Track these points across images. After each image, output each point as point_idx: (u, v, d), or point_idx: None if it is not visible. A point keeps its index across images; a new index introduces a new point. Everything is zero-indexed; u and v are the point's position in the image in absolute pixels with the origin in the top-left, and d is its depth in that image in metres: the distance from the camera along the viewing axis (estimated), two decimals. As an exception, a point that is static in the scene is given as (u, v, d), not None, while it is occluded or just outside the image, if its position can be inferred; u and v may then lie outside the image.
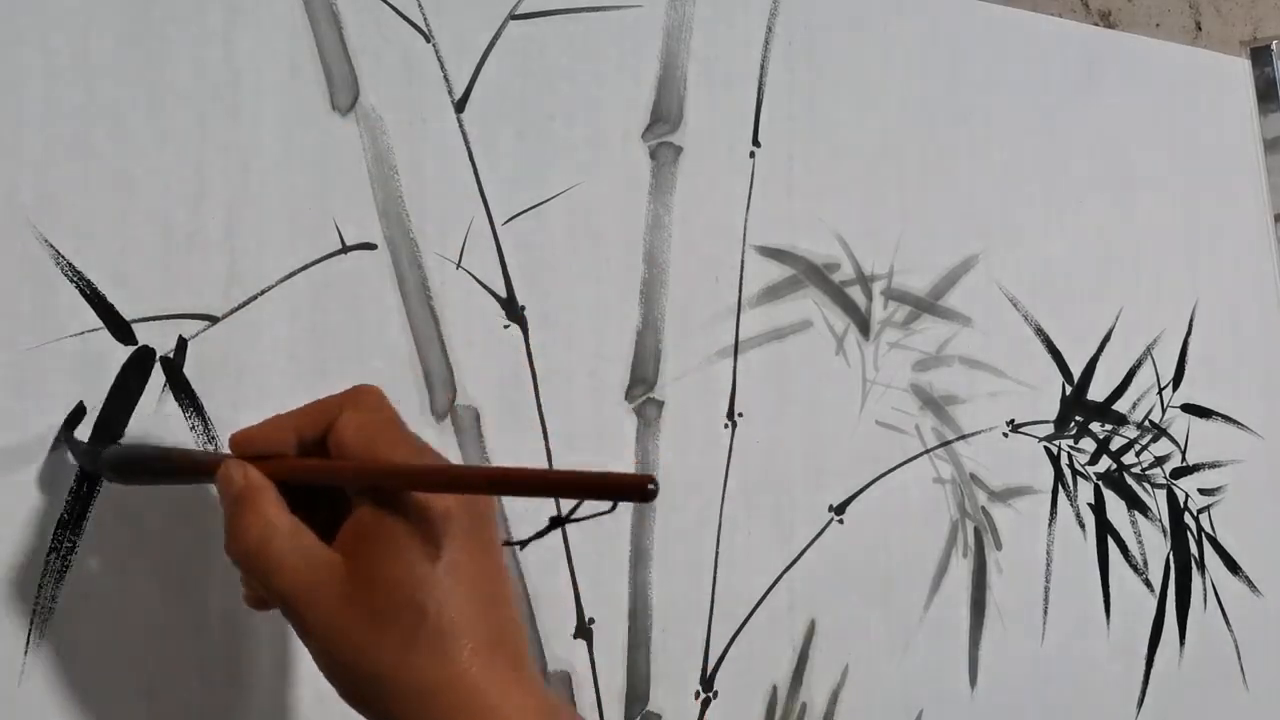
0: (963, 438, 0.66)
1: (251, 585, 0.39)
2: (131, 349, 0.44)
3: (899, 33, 0.66)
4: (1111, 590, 0.71)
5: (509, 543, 0.33)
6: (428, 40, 0.51)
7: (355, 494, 0.36)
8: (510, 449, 0.51)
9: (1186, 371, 0.76)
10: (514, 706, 0.34)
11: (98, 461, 0.41)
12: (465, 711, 0.33)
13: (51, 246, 0.43)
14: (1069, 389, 0.71)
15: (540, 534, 0.33)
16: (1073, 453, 0.71)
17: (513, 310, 0.52)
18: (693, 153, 0.58)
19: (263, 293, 0.46)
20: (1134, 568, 0.72)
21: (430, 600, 0.33)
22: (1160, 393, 0.75)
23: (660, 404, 0.56)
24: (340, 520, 0.36)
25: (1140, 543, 0.73)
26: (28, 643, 0.41)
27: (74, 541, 0.42)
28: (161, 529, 0.44)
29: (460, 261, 0.51)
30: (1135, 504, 0.73)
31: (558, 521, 0.33)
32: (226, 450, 0.39)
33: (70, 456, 0.42)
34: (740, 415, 0.58)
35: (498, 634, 0.35)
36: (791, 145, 0.61)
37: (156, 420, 0.44)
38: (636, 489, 0.32)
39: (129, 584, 0.43)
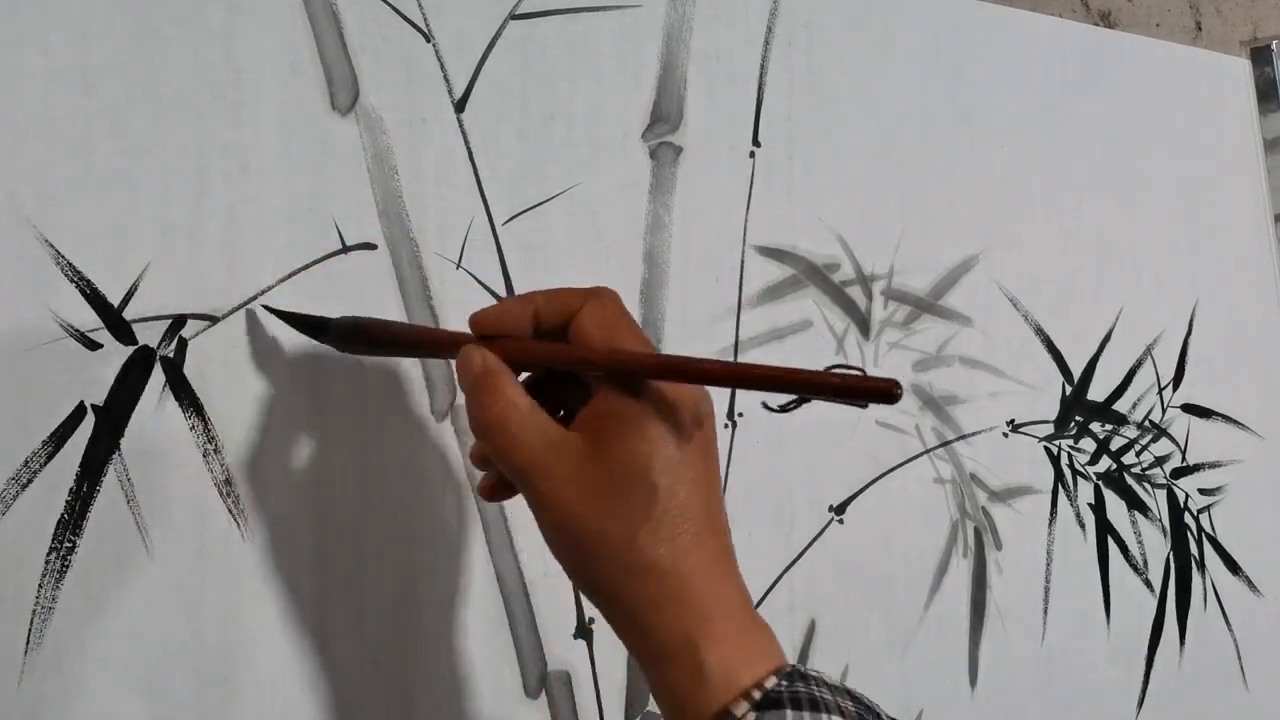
0: (963, 438, 0.66)
1: (488, 470, 0.41)
2: (131, 349, 0.44)
3: (899, 33, 0.66)
4: (1112, 590, 0.71)
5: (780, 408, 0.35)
6: (428, 40, 0.51)
7: (596, 380, 0.38)
8: (510, 449, 0.51)
9: (1187, 371, 0.76)
10: (719, 594, 0.36)
11: (328, 328, 0.44)
12: (679, 592, 0.35)
13: (51, 246, 0.43)
14: (1069, 389, 0.71)
15: (791, 406, 0.35)
16: (1073, 453, 0.71)
17: (513, 310, 0.52)
18: (693, 153, 0.58)
19: (263, 292, 0.46)
20: (1134, 568, 0.72)
21: (664, 482, 0.36)
22: (1160, 393, 0.75)
23: (660, 404, 0.56)
24: (562, 404, 0.39)
25: (1140, 543, 0.73)
26: (27, 642, 0.41)
27: (74, 542, 0.42)
28: (161, 528, 0.44)
29: (460, 261, 0.51)
30: (1135, 504, 0.73)
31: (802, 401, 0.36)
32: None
33: (283, 324, 0.45)
34: (740, 415, 0.58)
35: (713, 524, 0.37)
36: (791, 145, 0.61)
37: (157, 420, 0.44)
38: (884, 393, 0.33)
39: (128, 584, 0.43)
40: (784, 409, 0.35)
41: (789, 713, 0.34)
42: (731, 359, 0.58)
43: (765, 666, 0.36)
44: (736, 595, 0.37)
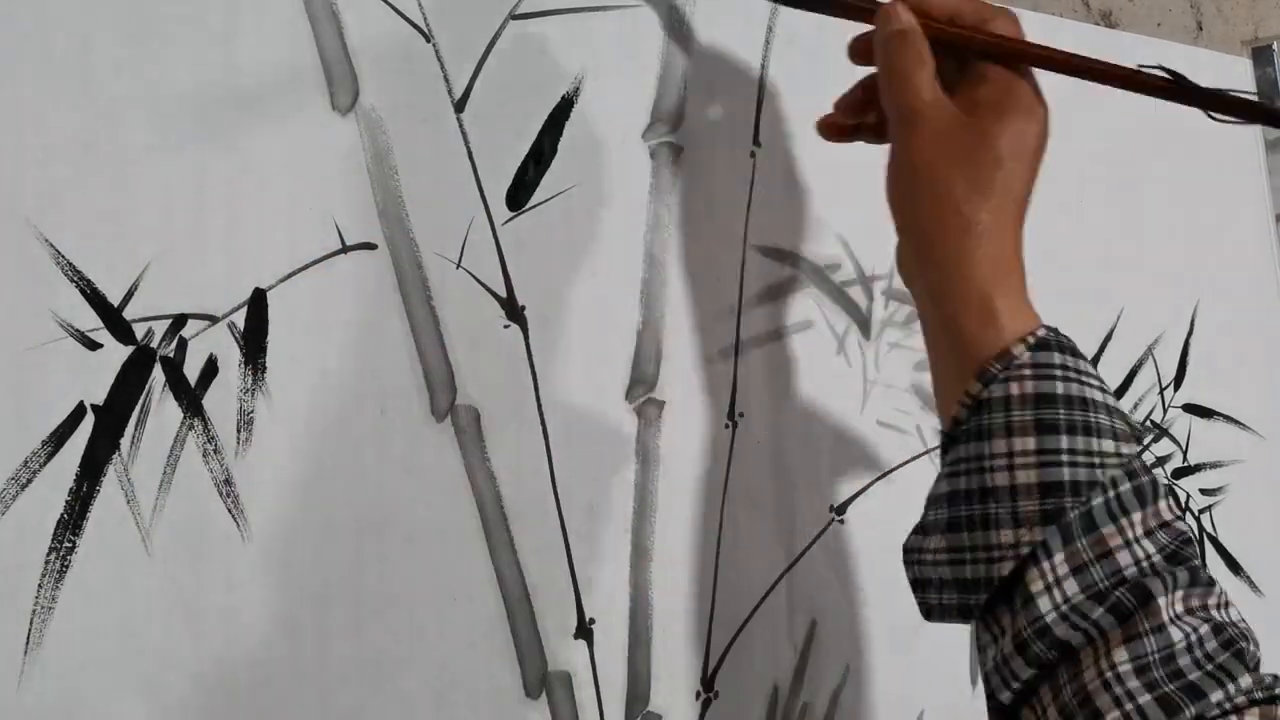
0: (963, 438, 0.66)
1: (848, 116, 0.53)
2: (131, 349, 0.44)
3: (899, 32, 0.66)
4: (1113, 590, 0.71)
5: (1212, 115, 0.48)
6: (428, 40, 0.51)
7: (980, 70, 0.47)
8: (510, 449, 0.51)
9: (1188, 371, 0.76)
10: (1016, 266, 0.45)
11: None
12: (991, 254, 0.44)
13: (52, 246, 0.43)
14: (1070, 389, 0.71)
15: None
16: (1074, 453, 0.71)
17: (513, 310, 0.52)
18: (693, 153, 0.58)
19: (263, 292, 0.46)
20: (1135, 568, 0.72)
21: (1012, 166, 0.45)
22: (1161, 393, 0.75)
23: (660, 404, 0.56)
24: (950, 88, 0.47)
25: (1141, 543, 0.73)
26: (27, 643, 0.41)
27: (74, 542, 0.42)
28: (161, 528, 0.44)
29: (460, 261, 0.51)
30: (1136, 504, 0.73)
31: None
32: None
33: None
34: (741, 415, 0.58)
35: (1025, 209, 0.46)
36: (792, 145, 0.61)
37: (157, 420, 0.44)
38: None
39: (128, 584, 0.43)
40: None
41: (1056, 354, 0.42)
42: (731, 359, 0.58)
43: (1036, 322, 0.44)
44: (1021, 271, 0.45)
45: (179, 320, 0.45)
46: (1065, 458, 0.40)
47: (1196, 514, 0.76)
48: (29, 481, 0.42)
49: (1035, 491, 0.40)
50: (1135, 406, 0.74)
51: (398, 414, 0.49)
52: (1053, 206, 0.71)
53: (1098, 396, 0.41)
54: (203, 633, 0.44)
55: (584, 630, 0.53)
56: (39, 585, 0.41)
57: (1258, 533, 0.78)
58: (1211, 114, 0.46)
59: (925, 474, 0.64)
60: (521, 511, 0.51)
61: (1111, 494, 0.40)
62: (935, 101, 0.46)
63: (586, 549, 0.53)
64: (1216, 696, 0.38)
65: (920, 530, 0.45)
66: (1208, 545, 0.76)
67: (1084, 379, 0.42)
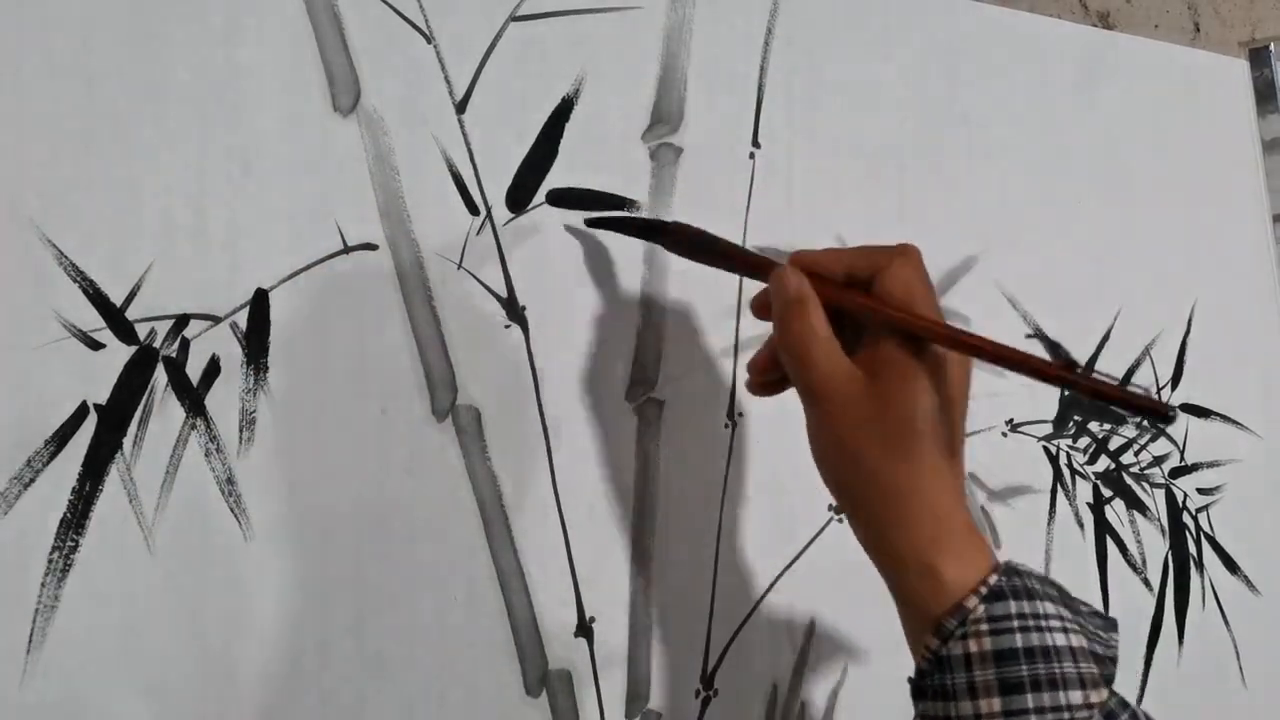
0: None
1: (766, 376, 0.48)
2: (134, 348, 0.44)
3: (899, 33, 0.66)
4: (1110, 589, 0.71)
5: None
6: (429, 41, 0.51)
7: (885, 331, 0.44)
8: (511, 449, 0.51)
9: (1185, 371, 0.77)
10: (953, 517, 0.42)
11: (661, 230, 0.52)
12: (921, 515, 0.42)
13: (54, 246, 0.43)
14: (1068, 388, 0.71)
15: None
16: (1071, 452, 0.71)
17: (513, 310, 0.52)
18: (693, 153, 0.58)
19: (264, 292, 0.46)
20: (1133, 567, 0.72)
21: (925, 429, 0.42)
22: (1159, 392, 0.75)
23: (660, 404, 0.56)
24: (850, 344, 0.45)
25: (1139, 542, 0.73)
26: (30, 641, 0.41)
27: (76, 540, 0.42)
28: (163, 528, 0.44)
29: (461, 261, 0.51)
30: (1134, 503, 0.73)
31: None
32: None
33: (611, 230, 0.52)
34: (740, 415, 0.58)
35: (954, 461, 0.44)
36: (791, 145, 0.61)
37: (159, 420, 0.44)
38: (1157, 414, 0.40)
39: (131, 583, 0.43)
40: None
41: (1011, 602, 0.40)
42: (731, 359, 0.58)
43: (987, 565, 0.42)
44: (964, 516, 0.43)
45: (181, 320, 0.45)
46: (1033, 718, 0.39)
47: (1194, 513, 0.76)
48: (32, 480, 0.42)
49: None
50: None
51: (399, 414, 0.49)
52: (1051, 207, 0.72)
53: (1060, 642, 0.40)
54: (204, 632, 0.44)
55: (584, 629, 0.53)
56: (42, 584, 0.42)
57: (1255, 532, 0.78)
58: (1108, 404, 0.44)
59: (924, 473, 0.64)
60: (522, 511, 0.51)
61: None
62: (835, 373, 0.43)
63: (586, 548, 0.53)
64: None
65: None
66: (1205, 544, 0.76)
67: (1044, 624, 0.40)
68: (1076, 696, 0.39)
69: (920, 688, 0.42)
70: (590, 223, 0.54)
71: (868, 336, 0.45)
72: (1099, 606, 0.70)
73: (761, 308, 0.48)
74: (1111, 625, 0.44)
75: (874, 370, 0.43)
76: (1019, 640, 0.40)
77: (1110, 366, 0.73)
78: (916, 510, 0.42)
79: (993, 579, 0.41)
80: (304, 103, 0.48)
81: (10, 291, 0.42)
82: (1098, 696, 0.40)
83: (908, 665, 0.42)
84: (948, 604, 0.41)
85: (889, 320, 0.43)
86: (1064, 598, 0.42)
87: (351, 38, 0.49)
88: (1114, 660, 0.42)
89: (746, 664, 0.57)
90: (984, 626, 0.40)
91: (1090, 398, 0.41)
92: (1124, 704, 0.41)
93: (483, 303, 0.52)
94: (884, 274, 0.44)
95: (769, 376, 0.48)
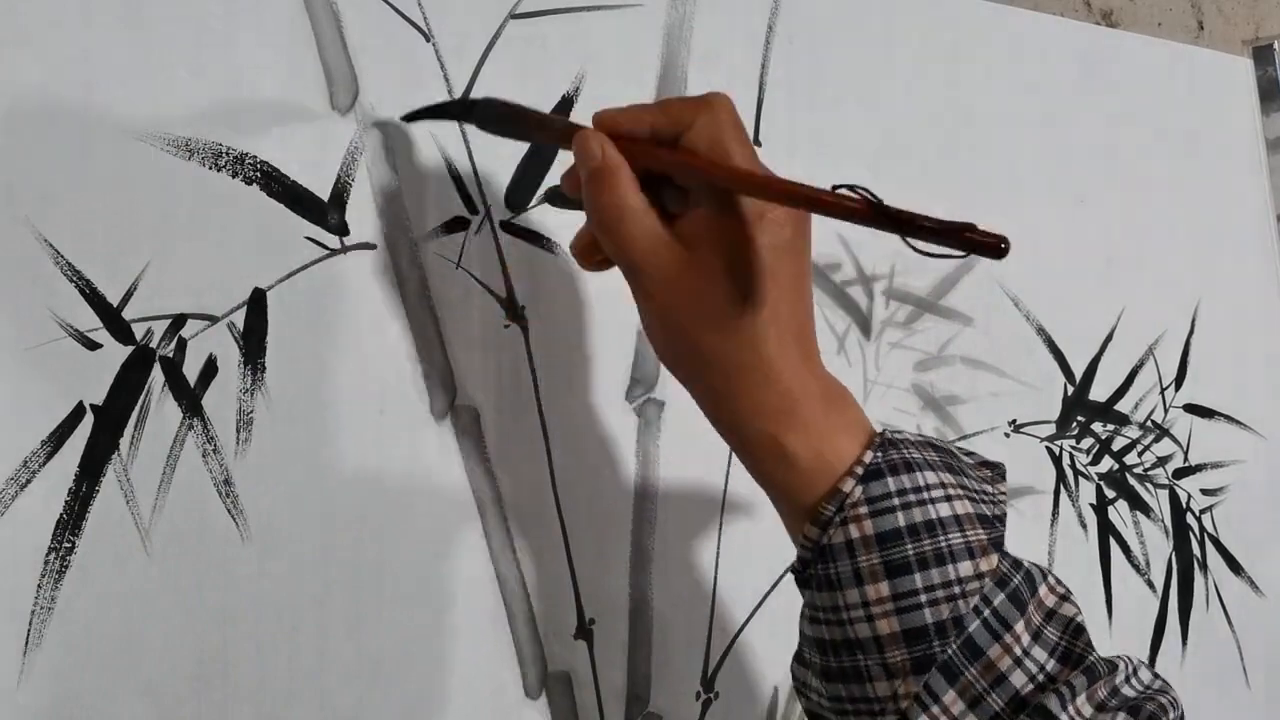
0: (964, 438, 0.66)
1: (590, 246, 0.43)
2: (130, 349, 0.44)
3: (899, 32, 0.66)
4: (1114, 591, 0.71)
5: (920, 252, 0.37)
6: (428, 40, 0.51)
7: (701, 190, 0.40)
8: (510, 449, 0.51)
9: (1189, 371, 0.76)
10: (802, 389, 0.39)
11: (470, 108, 0.47)
12: (763, 388, 0.39)
13: (51, 246, 0.43)
14: (1071, 389, 0.71)
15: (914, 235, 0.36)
16: (1075, 453, 0.71)
17: (513, 310, 0.52)
18: (693, 152, 0.58)
19: (263, 292, 0.46)
20: (1136, 568, 0.72)
21: (755, 296, 0.39)
22: (1162, 393, 0.75)
23: (660, 404, 0.56)
24: (664, 204, 0.41)
25: (1142, 543, 0.73)
26: (26, 642, 0.41)
27: (73, 541, 0.42)
28: (160, 528, 0.44)
29: (460, 261, 0.51)
30: (1137, 504, 0.73)
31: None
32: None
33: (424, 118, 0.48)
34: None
35: (799, 328, 0.40)
36: (791, 145, 0.61)
37: (156, 420, 0.44)
38: (991, 248, 0.36)
39: (128, 584, 0.43)
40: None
41: (889, 479, 0.38)
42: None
43: (859, 442, 0.39)
44: (818, 385, 0.40)
45: (178, 320, 0.45)
46: (924, 597, 0.37)
47: (1198, 514, 0.76)
48: (28, 481, 0.42)
49: (900, 640, 0.37)
50: (1136, 406, 0.74)
51: (397, 414, 0.49)
52: (1053, 207, 0.71)
53: (944, 513, 0.38)
54: (202, 633, 0.44)
55: (584, 630, 0.53)
56: (38, 585, 0.41)
57: (1259, 533, 0.78)
58: (909, 242, 0.40)
59: (926, 474, 0.64)
60: (521, 511, 0.51)
61: (987, 612, 0.38)
62: (652, 247, 0.39)
63: (586, 549, 0.53)
64: None
65: (799, 660, 0.42)
66: (1209, 545, 0.76)
67: (926, 496, 0.38)
68: (966, 568, 0.37)
69: (804, 578, 0.40)
70: (406, 118, 0.49)
71: (686, 206, 0.41)
72: (1101, 607, 0.70)
73: (572, 185, 0.43)
74: (1000, 474, 0.41)
75: (693, 236, 0.39)
76: (901, 519, 0.38)
77: (1113, 367, 0.73)
78: (756, 385, 0.39)
79: (868, 456, 0.39)
80: (302, 101, 0.48)
81: (7, 291, 0.42)
82: (987, 564, 0.38)
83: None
84: (824, 486, 0.39)
85: (697, 175, 0.39)
86: (945, 459, 0.40)
87: (350, 36, 0.49)
88: (1002, 518, 0.39)
89: (747, 666, 0.57)
90: (863, 509, 0.38)
91: (907, 233, 0.37)
92: (1016, 564, 0.39)
93: (482, 303, 0.51)
94: (692, 127, 0.40)
95: (596, 255, 0.43)
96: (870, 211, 0.37)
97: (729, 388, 0.39)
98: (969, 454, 0.41)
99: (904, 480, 0.38)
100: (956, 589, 0.37)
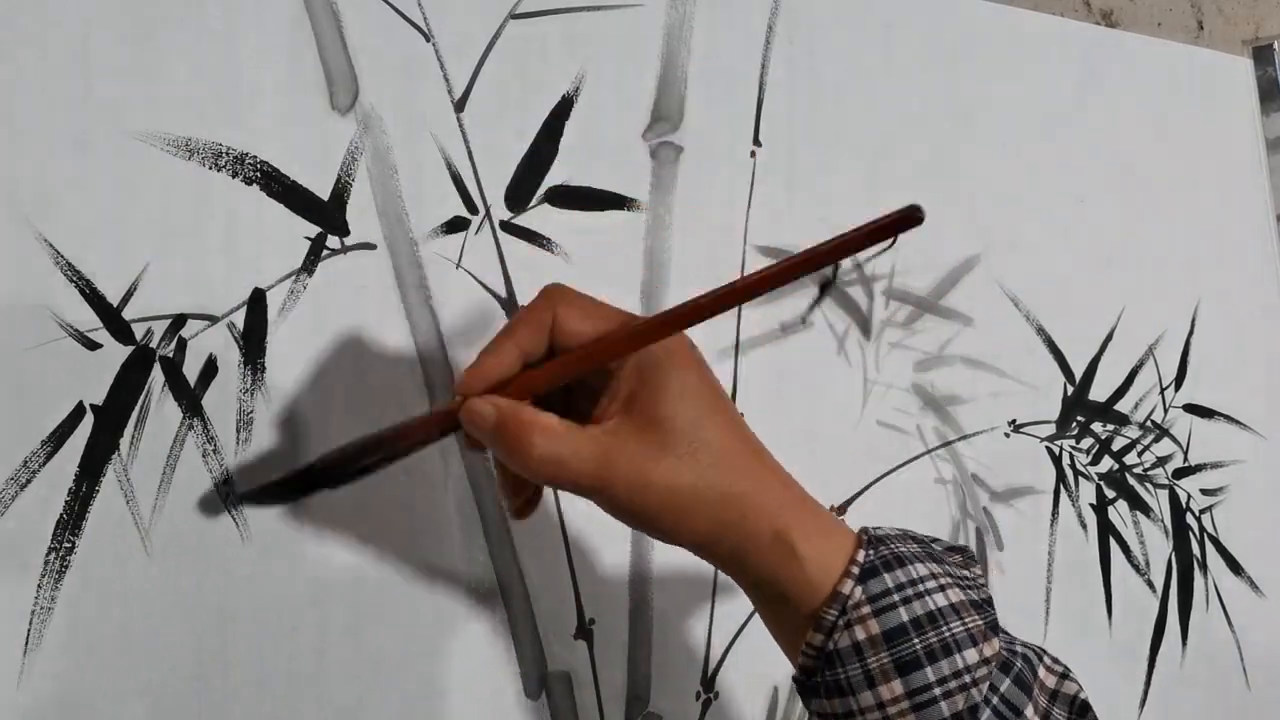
0: (964, 438, 0.66)
1: (519, 494, 0.43)
2: (130, 348, 0.44)
3: (899, 33, 0.66)
4: (1114, 591, 0.71)
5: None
6: (428, 39, 0.51)
7: (595, 377, 0.40)
8: (510, 449, 0.51)
9: (1189, 371, 0.76)
10: (786, 490, 0.40)
11: (310, 477, 0.44)
12: (748, 517, 0.39)
13: (51, 246, 0.43)
14: (1071, 389, 0.71)
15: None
16: (1074, 453, 0.71)
17: (512, 310, 0.52)
18: (693, 153, 0.58)
19: (263, 292, 0.46)
20: (1136, 568, 0.72)
21: (692, 426, 0.39)
22: (1162, 393, 0.75)
23: (661, 404, 0.55)
24: (579, 403, 0.41)
25: (1142, 543, 0.73)
26: (26, 642, 0.41)
27: (73, 542, 0.42)
28: (160, 528, 0.44)
29: (460, 261, 0.51)
30: (1137, 504, 0.73)
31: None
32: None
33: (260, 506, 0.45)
34: (740, 414, 0.58)
35: (745, 437, 0.41)
36: (791, 145, 0.61)
37: (156, 420, 0.44)
38: (906, 221, 0.35)
39: (128, 584, 0.43)
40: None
41: (886, 576, 0.38)
42: (732, 359, 0.58)
43: (848, 540, 0.40)
44: (794, 484, 0.41)
45: (178, 320, 0.45)
46: (938, 690, 0.37)
47: (1197, 514, 0.76)
48: (28, 481, 0.42)
49: None
50: (1136, 406, 0.74)
51: (397, 414, 0.49)
52: (1054, 206, 0.71)
53: (941, 603, 0.38)
54: (202, 633, 0.44)
55: (584, 630, 0.53)
56: (38, 585, 0.41)
57: (1258, 533, 0.78)
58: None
59: (925, 474, 0.64)
60: (521, 511, 0.51)
61: (995, 699, 0.38)
62: (576, 454, 0.39)
63: (587, 549, 0.53)
64: None
65: None
66: (1209, 545, 0.76)
67: (922, 589, 0.38)
68: (972, 655, 0.38)
69: (810, 686, 0.40)
70: (243, 499, 0.45)
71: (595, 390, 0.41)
72: (1101, 608, 0.70)
73: (471, 445, 0.43)
74: (970, 557, 0.42)
75: (624, 407, 0.40)
76: (904, 614, 0.38)
77: (1113, 366, 0.73)
78: (744, 513, 0.39)
79: (861, 555, 0.39)
80: (302, 101, 0.48)
81: (6, 291, 0.42)
82: (990, 649, 0.38)
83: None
84: (819, 593, 0.39)
85: (574, 371, 0.40)
86: (925, 549, 0.40)
87: (350, 36, 0.49)
88: (990, 601, 0.40)
89: (747, 666, 0.57)
90: (866, 609, 0.38)
91: (837, 258, 0.38)
92: (1012, 649, 0.40)
93: (482, 302, 0.51)
94: (558, 329, 0.40)
95: (526, 494, 0.43)
96: (762, 285, 0.38)
97: (726, 516, 0.39)
98: (935, 540, 0.42)
99: (899, 575, 0.39)
100: (967, 678, 0.38)
